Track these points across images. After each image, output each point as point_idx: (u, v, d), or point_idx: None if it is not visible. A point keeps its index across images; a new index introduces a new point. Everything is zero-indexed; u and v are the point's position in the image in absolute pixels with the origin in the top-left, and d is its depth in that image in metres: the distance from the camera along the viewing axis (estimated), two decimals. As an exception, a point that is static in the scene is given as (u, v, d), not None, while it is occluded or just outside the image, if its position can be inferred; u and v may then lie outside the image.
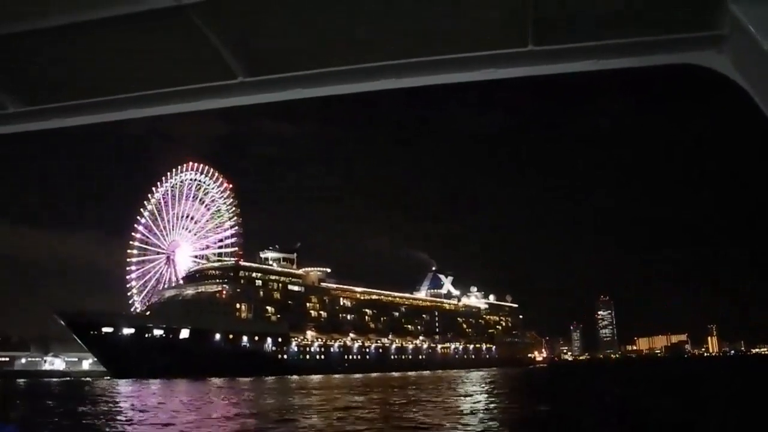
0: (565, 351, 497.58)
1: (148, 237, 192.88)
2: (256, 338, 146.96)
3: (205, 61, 3.87)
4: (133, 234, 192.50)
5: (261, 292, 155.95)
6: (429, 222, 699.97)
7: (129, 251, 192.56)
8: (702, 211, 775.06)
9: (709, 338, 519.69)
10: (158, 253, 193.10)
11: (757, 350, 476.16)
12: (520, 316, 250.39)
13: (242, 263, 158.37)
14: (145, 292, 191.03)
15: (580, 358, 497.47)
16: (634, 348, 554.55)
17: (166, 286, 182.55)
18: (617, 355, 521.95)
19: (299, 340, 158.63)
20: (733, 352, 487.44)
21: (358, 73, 3.86)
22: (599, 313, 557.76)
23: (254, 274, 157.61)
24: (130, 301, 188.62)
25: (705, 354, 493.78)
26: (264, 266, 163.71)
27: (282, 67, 3.94)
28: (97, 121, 4.45)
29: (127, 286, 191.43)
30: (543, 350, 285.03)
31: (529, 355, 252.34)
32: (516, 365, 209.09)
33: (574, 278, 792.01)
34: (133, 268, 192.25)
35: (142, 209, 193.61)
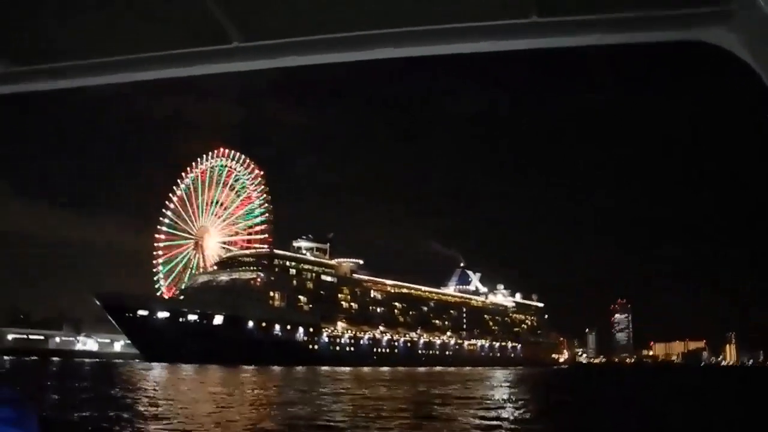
0: (580, 353, 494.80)
1: (176, 222, 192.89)
2: (288, 327, 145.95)
3: (197, 23, 3.61)
4: (160, 219, 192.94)
5: (294, 281, 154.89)
6: (449, 219, 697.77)
7: (156, 236, 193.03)
8: (709, 201, 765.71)
9: (727, 346, 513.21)
10: (186, 238, 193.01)
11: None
12: (546, 316, 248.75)
13: (276, 251, 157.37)
14: (172, 276, 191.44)
15: (595, 361, 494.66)
16: (650, 353, 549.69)
17: (194, 271, 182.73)
18: (632, 360, 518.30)
19: (330, 330, 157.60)
20: (751, 362, 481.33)
21: (356, 40, 3.63)
22: (616, 316, 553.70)
23: (288, 263, 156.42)
24: (156, 286, 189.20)
25: (722, 363, 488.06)
26: (298, 255, 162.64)
27: (279, 32, 3.65)
28: (83, 84, 4.09)
29: (154, 270, 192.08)
30: (565, 351, 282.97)
31: (553, 355, 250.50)
32: (540, 365, 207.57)
33: (593, 281, 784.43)
34: (160, 252, 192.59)
35: (171, 194, 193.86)
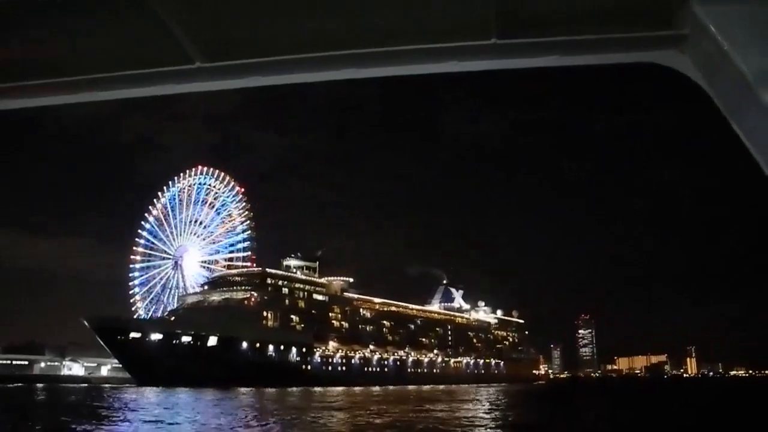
0: (545, 369, 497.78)
1: (153, 243, 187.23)
2: (282, 348, 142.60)
3: (160, 44, 3.72)
4: (136, 240, 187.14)
5: (287, 301, 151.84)
6: (427, 229, 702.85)
7: (132, 257, 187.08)
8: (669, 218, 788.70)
9: (688, 359, 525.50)
10: (164, 258, 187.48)
11: (734, 372, 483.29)
12: (526, 332, 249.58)
13: (269, 270, 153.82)
14: (150, 297, 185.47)
15: (561, 376, 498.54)
16: (614, 367, 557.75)
17: (173, 292, 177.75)
18: (597, 374, 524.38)
19: (322, 350, 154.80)
20: (711, 373, 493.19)
21: (319, 61, 3.81)
22: (580, 331, 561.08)
23: (281, 282, 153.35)
24: (134, 308, 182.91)
25: (684, 375, 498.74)
26: (290, 274, 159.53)
27: (241, 53, 3.80)
28: (43, 104, 4.19)
29: (131, 292, 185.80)
30: (541, 367, 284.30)
31: (534, 371, 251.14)
32: (522, 381, 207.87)
33: (556, 297, 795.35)
34: (137, 274, 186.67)
35: (146, 214, 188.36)
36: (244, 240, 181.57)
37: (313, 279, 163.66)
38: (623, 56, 3.53)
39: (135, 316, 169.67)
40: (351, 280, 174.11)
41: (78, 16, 3.47)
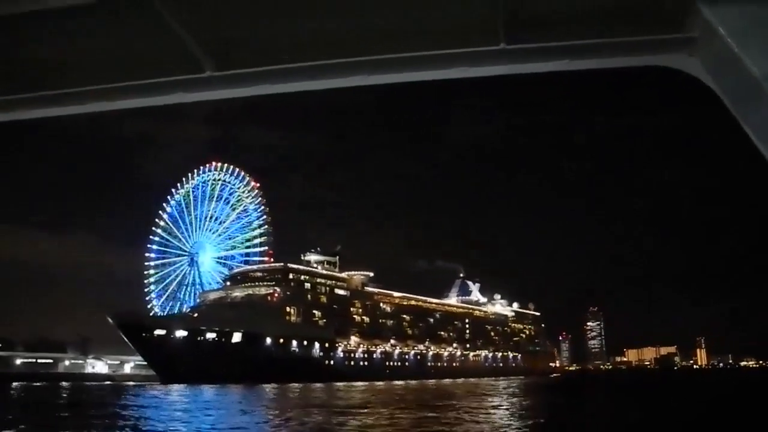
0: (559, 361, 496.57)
1: (168, 239, 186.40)
2: (305, 343, 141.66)
3: (171, 53, 3.78)
4: (150, 237, 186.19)
5: (309, 296, 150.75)
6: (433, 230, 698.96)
7: (147, 254, 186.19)
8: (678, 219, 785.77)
9: (697, 350, 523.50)
10: (180, 255, 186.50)
11: (744, 363, 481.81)
12: (542, 325, 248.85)
13: (291, 265, 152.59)
14: (166, 294, 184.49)
15: (570, 368, 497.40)
16: (624, 359, 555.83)
17: (195, 289, 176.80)
18: (607, 366, 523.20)
19: (344, 345, 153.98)
20: (721, 364, 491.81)
21: (329, 69, 3.82)
22: (588, 324, 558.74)
23: (303, 277, 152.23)
24: (149, 305, 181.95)
25: (694, 366, 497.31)
26: (311, 269, 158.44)
27: (251, 62, 3.85)
28: (57, 114, 4.19)
29: (146, 290, 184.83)
30: (557, 360, 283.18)
31: (550, 364, 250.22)
32: (539, 374, 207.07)
33: (556, 297, 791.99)
34: (152, 271, 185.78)
35: (161, 211, 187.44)
36: (261, 235, 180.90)
37: (334, 274, 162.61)
38: (633, 59, 3.50)
39: (151, 314, 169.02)
40: (371, 274, 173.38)
41: (92, 27, 3.52)
